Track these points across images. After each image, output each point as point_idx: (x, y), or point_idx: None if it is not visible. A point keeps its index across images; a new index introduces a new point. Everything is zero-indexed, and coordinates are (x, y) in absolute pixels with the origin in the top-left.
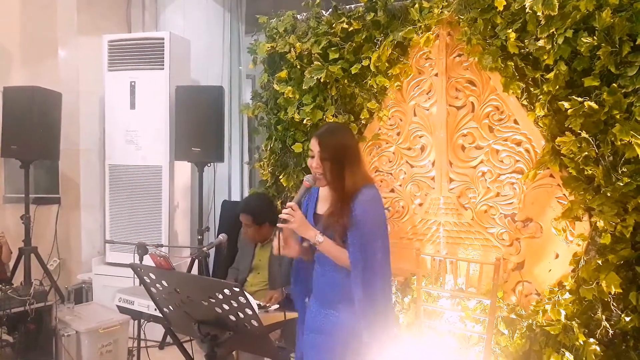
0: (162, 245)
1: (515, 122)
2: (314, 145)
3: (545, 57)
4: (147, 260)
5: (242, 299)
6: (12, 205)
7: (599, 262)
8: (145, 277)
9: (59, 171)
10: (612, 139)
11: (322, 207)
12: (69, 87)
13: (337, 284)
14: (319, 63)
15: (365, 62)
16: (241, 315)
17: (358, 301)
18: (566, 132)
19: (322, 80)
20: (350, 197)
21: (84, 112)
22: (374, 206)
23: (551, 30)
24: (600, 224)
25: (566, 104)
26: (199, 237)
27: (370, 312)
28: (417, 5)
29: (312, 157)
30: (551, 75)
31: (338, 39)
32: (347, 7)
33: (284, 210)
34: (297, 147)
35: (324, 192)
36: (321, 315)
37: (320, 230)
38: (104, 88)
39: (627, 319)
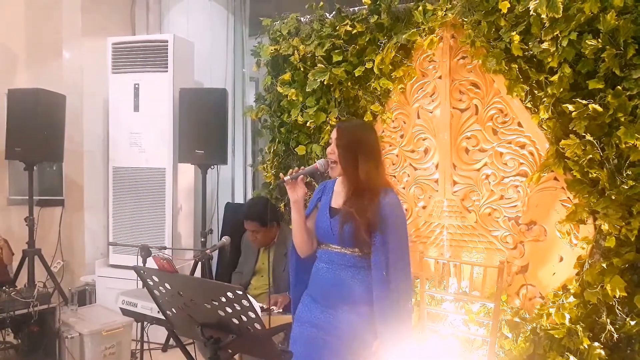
0: (165, 248)
1: (519, 124)
2: (333, 133)
3: (549, 59)
4: (151, 263)
5: (245, 302)
6: (16, 207)
7: (604, 265)
8: (148, 280)
9: (63, 173)
10: (617, 141)
11: (337, 201)
12: (73, 89)
13: (342, 283)
14: (323, 65)
15: (368, 65)
16: (244, 318)
17: (392, 299)
18: (570, 135)
19: (325, 83)
20: (372, 194)
21: (87, 114)
22: (401, 210)
23: (555, 33)
24: (605, 227)
25: (570, 107)
26: (202, 239)
27: (392, 313)
28: (420, 8)
29: (330, 144)
30: (555, 77)
31: (341, 41)
32: (351, 9)
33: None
34: (301, 150)
35: (339, 187)
36: (317, 310)
37: (339, 221)
38: (107, 90)
39: (632, 322)
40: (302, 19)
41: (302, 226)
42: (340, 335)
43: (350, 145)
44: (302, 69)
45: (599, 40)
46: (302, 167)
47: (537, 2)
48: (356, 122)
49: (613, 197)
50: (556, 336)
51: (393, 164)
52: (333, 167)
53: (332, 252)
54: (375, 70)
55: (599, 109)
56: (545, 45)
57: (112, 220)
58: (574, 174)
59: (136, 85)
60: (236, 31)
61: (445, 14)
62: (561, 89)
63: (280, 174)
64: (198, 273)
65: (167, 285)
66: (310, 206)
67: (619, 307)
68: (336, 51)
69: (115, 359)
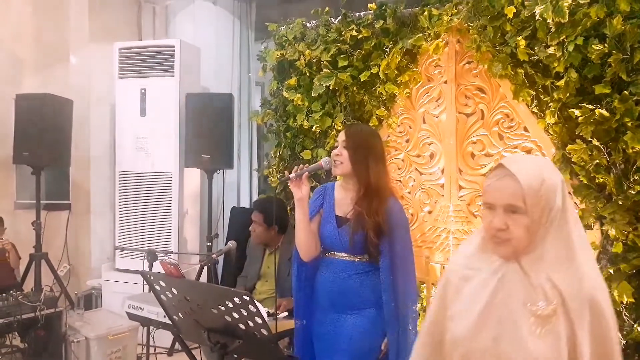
0: (171, 252)
1: (526, 129)
2: (341, 135)
3: (555, 64)
4: (157, 267)
5: (252, 307)
6: (23, 212)
7: (611, 271)
8: (155, 285)
9: (70, 178)
10: (624, 146)
11: (341, 209)
12: (80, 94)
13: (350, 292)
14: (328, 70)
15: (374, 70)
16: (251, 323)
17: (399, 302)
18: (577, 140)
19: (331, 88)
20: (380, 198)
21: (94, 119)
22: (405, 215)
23: (561, 38)
24: (612, 232)
25: (577, 112)
26: (208, 243)
27: (399, 316)
28: (426, 13)
29: (337, 146)
30: (561, 82)
31: (347, 46)
32: (357, 14)
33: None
34: (306, 154)
35: (340, 194)
36: (327, 323)
37: (348, 230)
38: (114, 95)
39: None
40: (307, 24)
41: (306, 226)
42: (350, 339)
43: (361, 148)
44: (307, 74)
45: (606, 45)
46: (307, 165)
47: (543, 7)
48: (364, 127)
49: (620, 203)
50: None
51: (399, 169)
52: (337, 166)
53: (338, 260)
54: (381, 75)
55: (606, 113)
56: (551, 50)
57: (118, 225)
58: (581, 179)
59: (143, 90)
60: (242, 36)
61: (450, 19)
62: (567, 94)
63: (285, 171)
64: (204, 278)
65: (173, 290)
66: (311, 210)
67: (626, 314)
68: (342, 56)
69: None
